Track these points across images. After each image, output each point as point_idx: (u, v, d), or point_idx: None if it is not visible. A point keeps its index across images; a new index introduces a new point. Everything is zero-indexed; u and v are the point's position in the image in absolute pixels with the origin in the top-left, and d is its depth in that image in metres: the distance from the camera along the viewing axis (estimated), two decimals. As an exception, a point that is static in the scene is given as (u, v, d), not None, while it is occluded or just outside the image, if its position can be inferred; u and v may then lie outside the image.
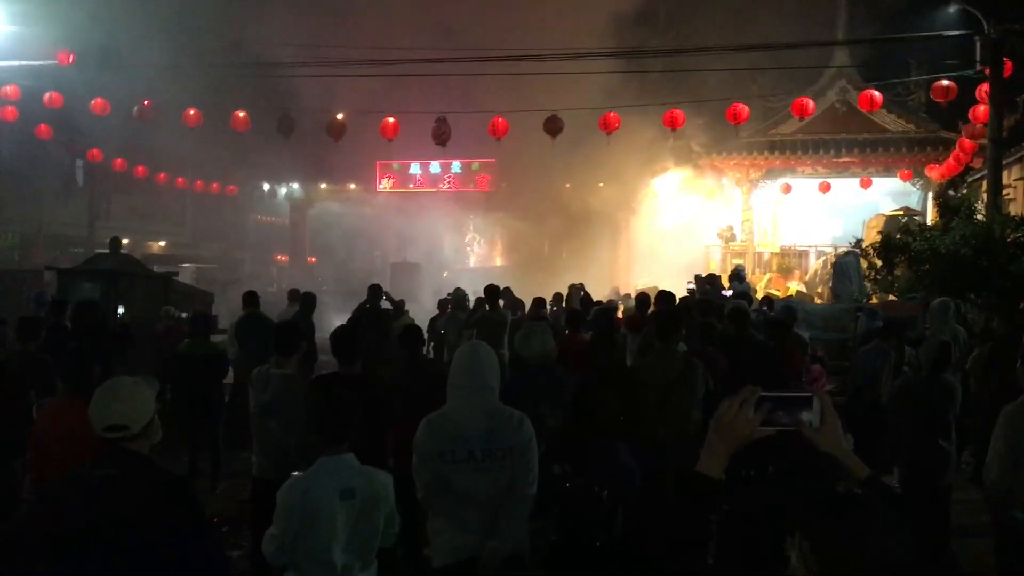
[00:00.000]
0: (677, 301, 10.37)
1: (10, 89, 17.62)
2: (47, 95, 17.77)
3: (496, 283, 13.01)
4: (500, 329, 11.08)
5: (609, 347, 8.28)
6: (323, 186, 34.45)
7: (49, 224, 28.74)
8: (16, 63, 16.70)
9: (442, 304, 14.36)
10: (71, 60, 16.38)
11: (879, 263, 15.22)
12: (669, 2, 24.14)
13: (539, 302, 12.49)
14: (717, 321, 9.32)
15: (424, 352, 8.36)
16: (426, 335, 14.19)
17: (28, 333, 7.67)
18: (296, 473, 3.86)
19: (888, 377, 9.14)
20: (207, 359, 8.42)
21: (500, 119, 17.43)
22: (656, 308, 9.39)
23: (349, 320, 10.65)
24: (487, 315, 11.21)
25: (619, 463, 4.57)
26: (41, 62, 16.54)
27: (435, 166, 30.13)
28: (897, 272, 15.12)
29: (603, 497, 4.28)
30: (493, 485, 3.95)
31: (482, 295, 11.94)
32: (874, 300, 15.41)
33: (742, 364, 8.03)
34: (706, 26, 21.07)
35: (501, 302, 12.62)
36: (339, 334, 5.77)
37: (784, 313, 9.80)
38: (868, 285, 15.93)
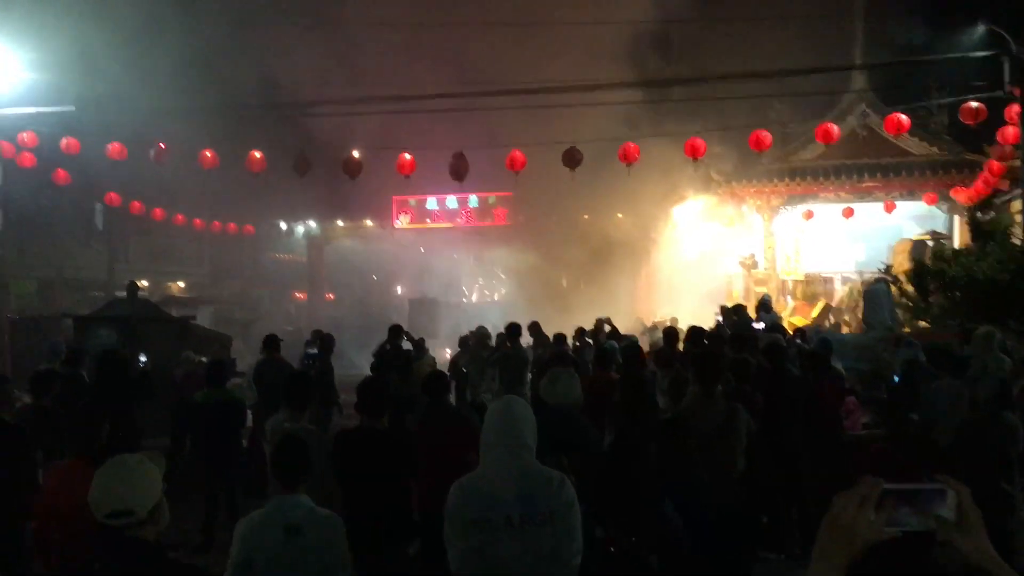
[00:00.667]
0: (708, 336, 10.04)
1: (27, 136, 17.60)
2: (64, 141, 17.74)
3: (516, 317, 12.77)
4: (521, 367, 10.81)
5: (640, 388, 7.95)
6: (340, 223, 34.35)
7: (68, 268, 28.74)
8: (33, 110, 16.68)
9: (463, 341, 14.04)
10: (86, 106, 16.32)
11: (912, 290, 14.88)
12: (683, 31, 23.98)
13: (560, 338, 12.19)
14: (751, 355, 9.02)
15: (449, 391, 8.05)
16: (447, 373, 13.98)
17: (41, 387, 7.43)
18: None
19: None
20: (223, 408, 8.16)
21: (518, 152, 17.23)
22: (693, 349, 9.03)
23: (373, 365, 10.39)
24: (508, 353, 10.93)
25: (666, 523, 4.24)
26: (57, 108, 16.51)
27: (452, 200, 29.98)
28: (931, 299, 14.73)
29: (651, 562, 3.96)
30: (534, 555, 3.60)
31: (503, 331, 11.67)
32: (906, 328, 15.03)
33: (779, 402, 7.72)
34: (721, 54, 20.91)
35: (530, 339, 12.40)
36: (365, 387, 5.49)
37: (820, 346, 9.45)
38: (900, 313, 15.55)
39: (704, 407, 5.78)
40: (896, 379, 9.88)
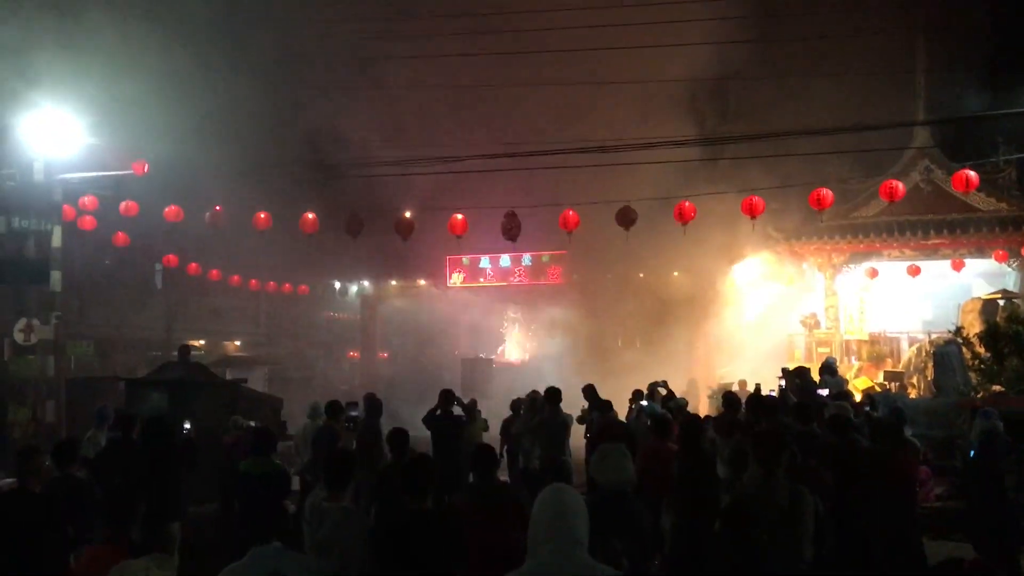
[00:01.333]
0: (770, 405, 9.55)
1: (88, 199, 17.97)
2: (123, 204, 18.08)
3: (570, 377, 12.42)
4: (561, 434, 10.41)
5: (700, 462, 7.52)
6: (393, 282, 34.47)
7: (127, 329, 29.15)
8: (93, 174, 17.02)
9: (515, 405, 13.69)
10: (145, 169, 16.60)
11: (984, 352, 14.22)
12: (740, 87, 23.76)
13: (607, 405, 11.78)
14: (817, 427, 8.54)
15: (497, 466, 7.68)
16: (499, 437, 13.63)
17: (64, 457, 7.23)
18: None
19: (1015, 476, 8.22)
20: (268, 479, 7.91)
21: (571, 211, 17.06)
22: (753, 419, 8.58)
23: (427, 419, 10.16)
24: (546, 419, 10.53)
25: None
26: (117, 172, 16.82)
27: (505, 259, 29.85)
28: (1005, 362, 14.03)
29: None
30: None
31: (543, 396, 11.29)
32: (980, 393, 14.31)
33: (850, 480, 7.22)
34: (780, 110, 20.58)
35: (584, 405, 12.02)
36: (409, 468, 5.19)
37: (894, 416, 8.90)
38: (973, 376, 14.85)
39: (766, 490, 5.34)
40: (972, 451, 9.27)
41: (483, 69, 22.01)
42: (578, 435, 11.47)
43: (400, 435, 8.32)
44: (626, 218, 16.08)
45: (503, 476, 10.58)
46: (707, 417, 11.97)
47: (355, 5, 21.80)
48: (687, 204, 16.17)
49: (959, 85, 21.50)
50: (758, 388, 13.33)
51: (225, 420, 12.21)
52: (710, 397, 16.55)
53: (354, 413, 10.18)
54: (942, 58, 22.15)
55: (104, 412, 10.79)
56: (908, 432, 9.39)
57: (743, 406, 10.08)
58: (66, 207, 17.58)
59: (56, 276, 17.04)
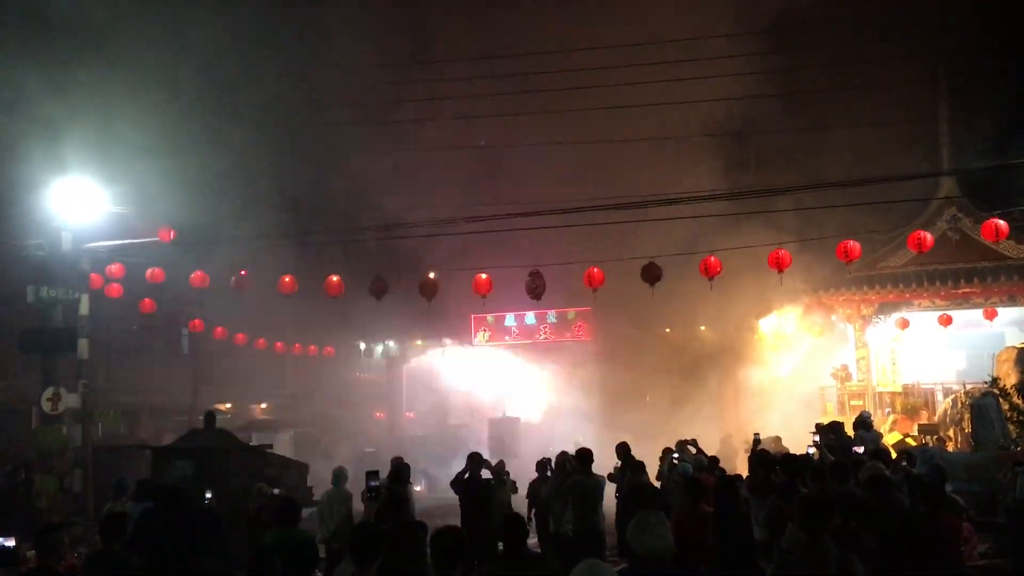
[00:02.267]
0: (807, 466, 9.31)
1: (115, 267, 18.14)
2: (149, 271, 18.24)
3: (598, 434, 12.16)
4: (594, 497, 10.19)
5: (737, 526, 7.30)
6: (418, 342, 34.43)
7: (154, 394, 29.19)
8: (120, 242, 17.20)
9: (541, 466, 13.44)
10: (172, 236, 16.77)
11: (1022, 403, 13.89)
12: (764, 141, 23.77)
13: (640, 466, 11.55)
14: (856, 485, 8.31)
15: (527, 535, 7.48)
16: (526, 499, 13.38)
17: (112, 532, 7.13)
18: None
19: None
20: (293, 552, 7.74)
21: (595, 269, 16.99)
22: (790, 481, 8.34)
23: (455, 483, 9.97)
24: (578, 481, 10.30)
25: None
26: (143, 240, 16.99)
27: (530, 317, 29.77)
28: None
29: None
30: None
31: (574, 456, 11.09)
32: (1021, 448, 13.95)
33: (894, 542, 6.98)
34: (804, 162, 20.55)
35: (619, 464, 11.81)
36: (438, 539, 5.04)
37: (934, 474, 8.63)
38: (1012, 429, 14.49)
39: (814, 557, 5.15)
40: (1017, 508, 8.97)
41: (504, 129, 22.24)
42: (608, 494, 11.26)
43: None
44: (651, 274, 15.98)
45: (532, 538, 10.39)
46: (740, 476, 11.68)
47: (378, 70, 22.16)
48: (712, 259, 16.07)
49: (984, 133, 21.35)
50: (791, 453, 13.03)
51: (251, 486, 12.09)
52: (747, 452, 16.25)
53: (374, 483, 10.02)
54: (965, 106, 22.10)
55: (123, 483, 10.70)
56: (948, 488, 9.12)
57: (777, 465, 9.86)
58: (93, 275, 17.75)
59: (83, 344, 17.15)
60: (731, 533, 7.16)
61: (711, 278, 16.09)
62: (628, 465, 11.95)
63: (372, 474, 10.10)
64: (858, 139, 20.58)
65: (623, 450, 12.45)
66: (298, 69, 22.56)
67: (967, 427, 17.24)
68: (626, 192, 17.26)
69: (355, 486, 11.38)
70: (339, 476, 11.87)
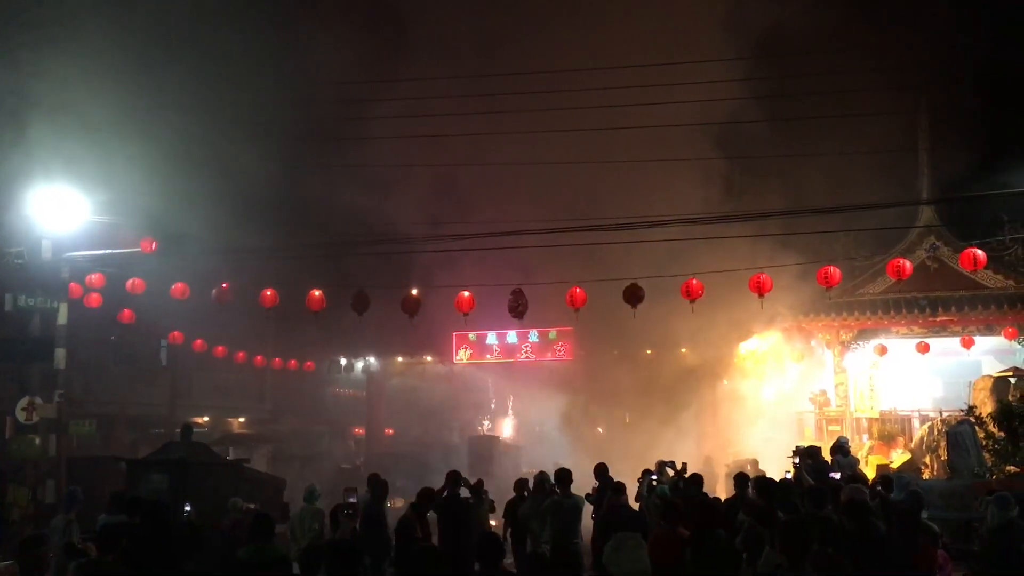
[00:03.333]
0: (784, 489, 9.35)
1: (95, 277, 18.01)
2: (130, 281, 18.13)
3: (578, 454, 12.11)
4: (573, 517, 10.19)
5: (714, 550, 7.30)
6: (399, 358, 34.33)
7: (131, 406, 28.94)
8: (100, 252, 17.08)
9: (519, 485, 13.39)
10: (153, 247, 16.66)
11: (999, 432, 13.99)
12: (746, 166, 23.97)
13: (620, 487, 11.52)
14: (832, 511, 8.33)
15: (504, 556, 7.45)
16: (503, 518, 13.31)
17: (110, 542, 7.07)
18: None
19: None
20: (269, 567, 7.67)
21: (578, 289, 17.02)
22: (766, 504, 8.36)
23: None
24: (558, 501, 10.30)
25: None
26: (124, 250, 16.88)
27: (512, 336, 29.76)
28: (1021, 443, 13.79)
29: None
30: None
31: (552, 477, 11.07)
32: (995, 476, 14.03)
33: (868, 566, 7.01)
34: (785, 188, 20.75)
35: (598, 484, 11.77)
36: (418, 559, 5.03)
37: (911, 500, 8.68)
38: (987, 457, 14.59)
39: (790, 583, 5.17)
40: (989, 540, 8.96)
41: (491, 148, 22.30)
42: (584, 515, 11.24)
43: (335, 511, 8.19)
44: (633, 295, 16.02)
45: (508, 559, 10.35)
46: (727, 499, 11.66)
47: (362, 86, 22.21)
48: (694, 281, 16.14)
49: (963, 163, 21.64)
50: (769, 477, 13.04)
51: (226, 501, 12.00)
52: (728, 476, 16.28)
53: (352, 499, 9.96)
54: (945, 136, 22.39)
55: (75, 495, 10.56)
56: (924, 515, 9.16)
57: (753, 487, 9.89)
58: (73, 285, 17.59)
59: (60, 354, 16.96)
60: (708, 558, 7.15)
61: (692, 301, 16.15)
62: (606, 486, 11.92)
63: (351, 490, 10.04)
64: (839, 166, 20.81)
65: (601, 471, 12.42)
66: (283, 80, 22.59)
67: (943, 454, 17.36)
68: (610, 213, 17.32)
69: (334, 501, 11.30)
70: (311, 493, 11.81)
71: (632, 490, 12.63)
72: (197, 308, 19.75)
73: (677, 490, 11.83)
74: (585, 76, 20.06)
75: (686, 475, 12.67)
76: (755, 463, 17.61)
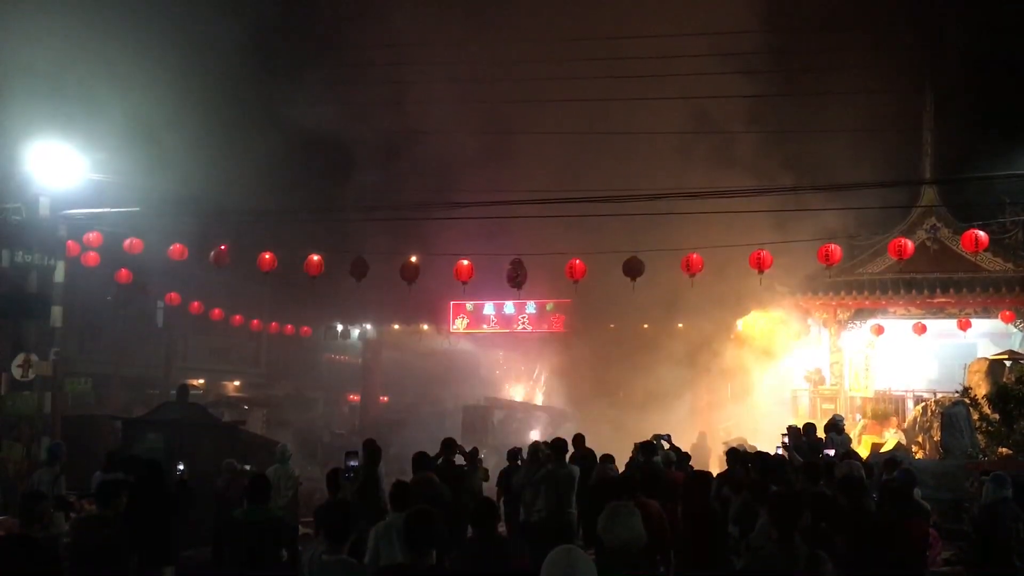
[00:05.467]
0: (776, 465, 9.36)
1: (92, 235, 17.93)
2: (127, 241, 18.04)
3: (572, 426, 12.12)
4: (567, 487, 10.21)
5: (708, 521, 7.32)
6: (396, 326, 34.32)
7: (126, 366, 28.96)
8: (98, 210, 16.97)
9: (512, 455, 13.40)
10: (151, 207, 16.56)
11: (993, 414, 14.03)
12: (749, 141, 23.83)
13: (607, 458, 11.53)
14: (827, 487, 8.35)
15: (499, 521, 7.45)
16: (496, 487, 13.34)
17: (108, 499, 7.08)
18: None
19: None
20: (264, 528, 7.68)
21: (577, 261, 16.98)
22: (760, 479, 8.37)
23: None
24: (553, 471, 10.31)
25: None
26: (122, 209, 16.76)
27: (509, 306, 29.74)
28: (1015, 425, 13.82)
29: None
30: None
31: (546, 446, 11.07)
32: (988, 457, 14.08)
33: (862, 544, 7.02)
34: (788, 165, 20.64)
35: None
36: (413, 522, 5.00)
37: (904, 478, 8.70)
38: (981, 439, 14.63)
39: (784, 555, 5.16)
40: (979, 517, 9.01)
41: (495, 118, 22.17)
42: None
43: (334, 474, 8.21)
44: (633, 269, 15.98)
45: (501, 528, 10.37)
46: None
47: (363, 49, 22.01)
48: (695, 256, 16.10)
49: (966, 144, 21.58)
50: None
51: (221, 463, 12.01)
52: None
53: (353, 463, 9.95)
54: (950, 117, 22.29)
55: (59, 449, 10.57)
56: (917, 494, 9.20)
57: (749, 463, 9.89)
58: (70, 243, 17.50)
59: (57, 311, 16.90)
60: (702, 528, 7.18)
61: (692, 275, 16.12)
62: (580, 456, 11.92)
63: (351, 454, 10.05)
64: (843, 145, 20.70)
65: (579, 444, 12.49)
66: (282, 41, 22.40)
67: (936, 435, 17.42)
68: (612, 186, 17.25)
69: (328, 466, 11.29)
70: (283, 454, 11.72)
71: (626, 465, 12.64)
72: (195, 270, 19.70)
73: (670, 463, 11.86)
74: (590, 45, 19.92)
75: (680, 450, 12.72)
76: (742, 440, 17.67)
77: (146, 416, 14.05)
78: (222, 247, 17.70)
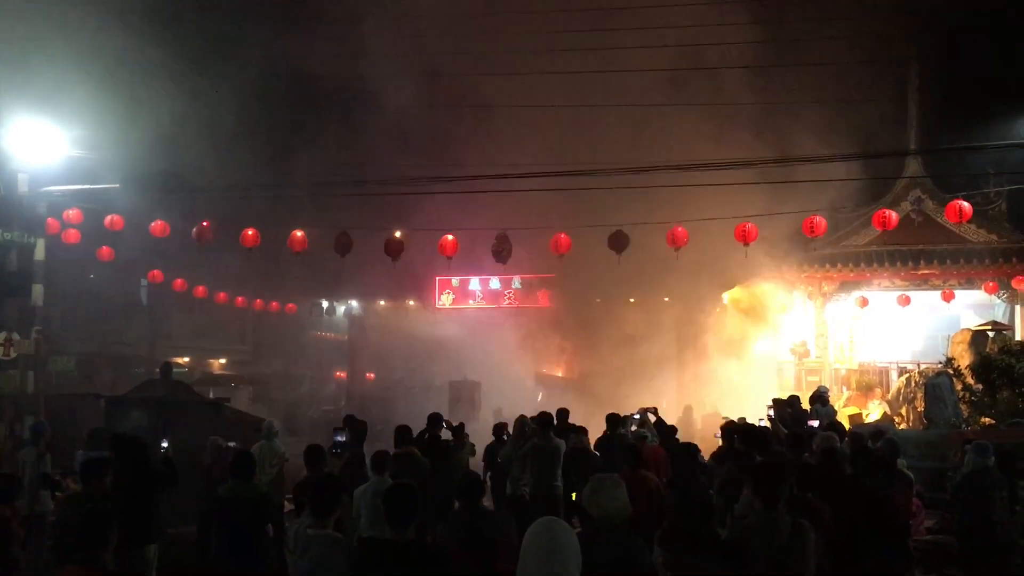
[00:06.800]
0: (761, 436, 9.38)
1: (72, 212, 17.73)
2: (108, 218, 17.86)
3: (558, 401, 12.12)
4: (554, 460, 10.23)
5: (694, 493, 7.32)
6: (382, 302, 34.24)
7: (110, 345, 28.80)
8: (78, 187, 16.79)
9: (498, 429, 13.43)
10: (131, 184, 16.39)
11: (976, 384, 14.12)
12: (732, 113, 23.76)
13: (580, 430, 11.56)
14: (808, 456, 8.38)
15: (484, 495, 7.44)
16: (482, 463, 13.37)
17: (92, 477, 7.05)
18: None
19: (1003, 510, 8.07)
20: (250, 504, 7.65)
21: (563, 235, 16.94)
22: (746, 450, 8.39)
23: (415, 443, 9.88)
24: (539, 445, 10.32)
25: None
26: (102, 186, 16.59)
27: (495, 282, 29.72)
28: (997, 395, 13.91)
29: None
30: None
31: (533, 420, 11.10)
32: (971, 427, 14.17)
33: (847, 513, 7.05)
34: (772, 137, 20.59)
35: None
36: (393, 496, 4.98)
37: (888, 448, 8.74)
38: (964, 408, 14.74)
39: (767, 524, 5.17)
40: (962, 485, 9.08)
41: (480, 92, 22.00)
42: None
43: (316, 450, 8.19)
44: (618, 242, 15.95)
45: (488, 502, 10.38)
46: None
47: (340, 24, 21.79)
48: (680, 229, 16.07)
49: (951, 115, 21.59)
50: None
51: (206, 440, 11.95)
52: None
53: (341, 438, 9.91)
54: (935, 88, 22.27)
55: (42, 427, 10.50)
56: (901, 464, 9.25)
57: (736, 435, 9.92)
58: (50, 220, 17.33)
59: (38, 290, 16.77)
60: (688, 500, 7.18)
61: (678, 248, 16.10)
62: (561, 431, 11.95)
63: (339, 429, 10.01)
64: (830, 117, 20.65)
65: (563, 419, 12.51)
66: (262, 11, 22.13)
67: (920, 405, 17.53)
68: (597, 159, 17.19)
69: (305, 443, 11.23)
70: (269, 430, 11.66)
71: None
72: (179, 247, 19.54)
73: (643, 439, 11.90)
74: (573, 17, 19.77)
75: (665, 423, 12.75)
76: (715, 413, 17.76)
77: (130, 394, 13.97)
78: (204, 223, 17.57)
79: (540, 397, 24.80)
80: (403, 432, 9.46)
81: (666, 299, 26.30)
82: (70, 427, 13.99)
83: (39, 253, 16.78)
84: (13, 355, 16.54)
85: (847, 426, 13.71)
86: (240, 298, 30.40)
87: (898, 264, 21.38)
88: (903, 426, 18.46)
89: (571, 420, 12.04)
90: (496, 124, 23.58)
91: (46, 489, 9.91)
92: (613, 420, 11.52)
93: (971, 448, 8.62)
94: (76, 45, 15.64)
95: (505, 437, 12.72)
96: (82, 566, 4.53)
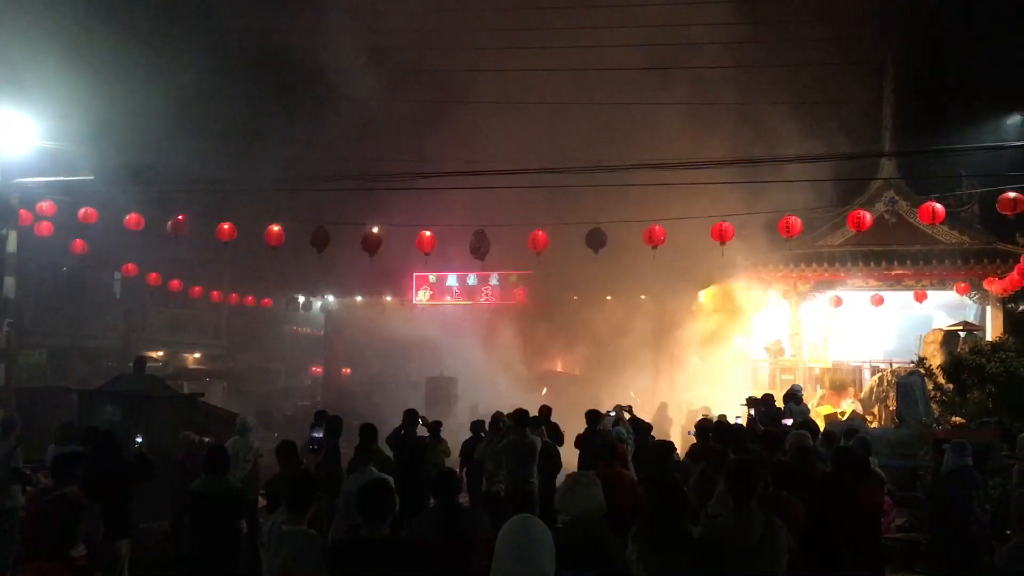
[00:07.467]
0: (736, 433, 9.45)
1: (45, 204, 17.53)
2: (81, 211, 17.66)
3: (535, 398, 12.14)
4: (529, 457, 10.26)
5: (668, 491, 7.35)
6: (359, 298, 34.13)
7: (84, 338, 28.49)
8: (51, 179, 16.57)
9: (475, 426, 13.45)
10: (105, 176, 16.16)
11: (947, 384, 14.27)
12: (711, 113, 23.87)
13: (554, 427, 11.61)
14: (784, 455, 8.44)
15: (460, 492, 7.42)
16: (459, 459, 13.38)
17: (64, 472, 6.99)
18: None
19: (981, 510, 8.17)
20: (220, 499, 7.62)
21: (540, 232, 16.96)
22: (720, 447, 8.44)
23: (390, 440, 9.86)
24: (514, 441, 10.33)
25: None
26: (76, 178, 16.38)
27: (472, 278, 29.72)
28: (968, 395, 14.08)
29: None
30: None
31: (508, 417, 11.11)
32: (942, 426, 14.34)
33: (819, 511, 7.11)
34: (749, 137, 20.71)
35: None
36: (368, 493, 4.97)
37: (860, 446, 8.83)
38: (935, 408, 14.90)
39: (740, 522, 5.20)
40: (940, 484, 9.17)
41: (458, 88, 21.96)
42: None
43: (288, 446, 8.15)
44: (596, 240, 15.97)
45: (463, 499, 10.39)
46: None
47: (318, 15, 21.68)
48: (657, 228, 16.11)
49: (926, 118, 21.82)
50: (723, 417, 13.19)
51: (179, 435, 11.88)
52: (684, 426, 16.43)
53: (317, 434, 9.86)
54: (909, 91, 22.50)
55: (11, 421, 10.37)
56: (873, 462, 9.34)
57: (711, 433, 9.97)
58: (23, 212, 17.09)
59: (10, 282, 16.52)
60: (662, 498, 7.21)
61: (655, 247, 16.14)
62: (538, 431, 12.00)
63: (316, 425, 9.95)
64: (805, 118, 20.82)
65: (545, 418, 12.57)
66: (243, 6, 21.97)
67: (892, 404, 17.73)
68: (576, 158, 17.19)
69: (280, 439, 11.17)
70: (243, 426, 11.56)
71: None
72: (153, 240, 19.35)
73: (622, 440, 11.95)
74: (555, 15, 19.78)
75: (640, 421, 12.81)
76: (706, 410, 17.82)
77: (103, 388, 13.82)
78: (180, 217, 17.41)
79: (544, 391, 24.74)
80: (368, 431, 9.32)
81: (643, 297, 26.39)
82: (41, 421, 13.86)
83: (11, 245, 16.52)
84: (-17, 348, 16.31)
85: (821, 425, 13.84)
86: (215, 292, 30.17)
87: (872, 264, 21.59)
88: (875, 425, 18.66)
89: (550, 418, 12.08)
90: (475, 121, 23.55)
91: (17, 484, 9.80)
92: (594, 416, 11.54)
93: (949, 447, 8.69)
94: (48, 34, 15.46)
95: (482, 434, 12.74)
96: (49, 561, 4.50)
